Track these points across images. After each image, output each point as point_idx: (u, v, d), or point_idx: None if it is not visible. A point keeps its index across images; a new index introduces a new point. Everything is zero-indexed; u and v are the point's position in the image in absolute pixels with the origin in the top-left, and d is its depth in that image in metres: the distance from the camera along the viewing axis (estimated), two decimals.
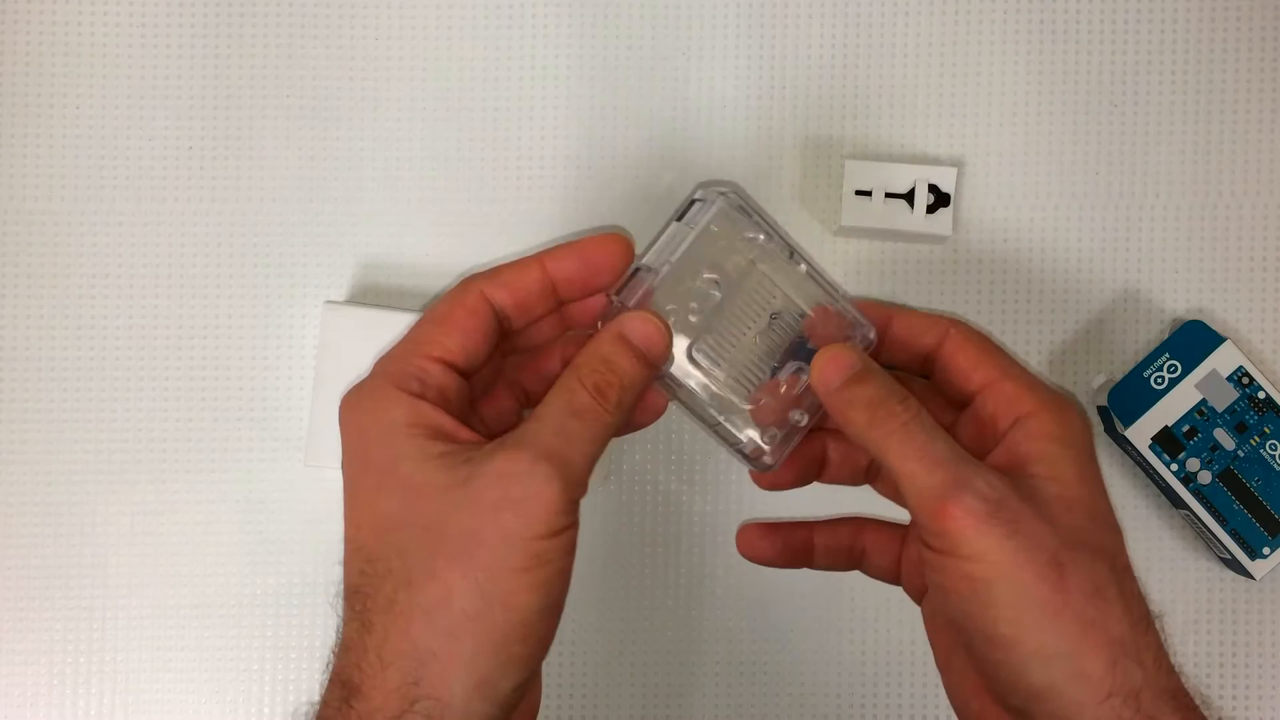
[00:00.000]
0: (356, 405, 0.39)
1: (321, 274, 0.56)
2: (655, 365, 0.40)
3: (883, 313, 0.43)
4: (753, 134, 0.56)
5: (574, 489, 0.37)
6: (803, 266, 0.42)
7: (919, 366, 0.43)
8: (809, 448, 0.45)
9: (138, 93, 0.56)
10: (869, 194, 0.54)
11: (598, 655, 0.55)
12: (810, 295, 0.42)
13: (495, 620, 0.35)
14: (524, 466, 0.36)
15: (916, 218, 0.54)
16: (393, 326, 0.52)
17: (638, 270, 0.41)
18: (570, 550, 0.37)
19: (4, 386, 0.55)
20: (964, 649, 0.40)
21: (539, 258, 0.41)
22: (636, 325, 0.39)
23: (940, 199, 0.54)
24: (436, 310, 0.40)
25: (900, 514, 0.43)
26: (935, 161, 0.56)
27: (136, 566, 0.55)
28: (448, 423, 0.38)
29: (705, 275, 0.41)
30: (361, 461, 0.38)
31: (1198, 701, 0.37)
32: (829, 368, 0.40)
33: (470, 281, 0.40)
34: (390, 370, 0.39)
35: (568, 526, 0.36)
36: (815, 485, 0.45)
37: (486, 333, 0.40)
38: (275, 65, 0.56)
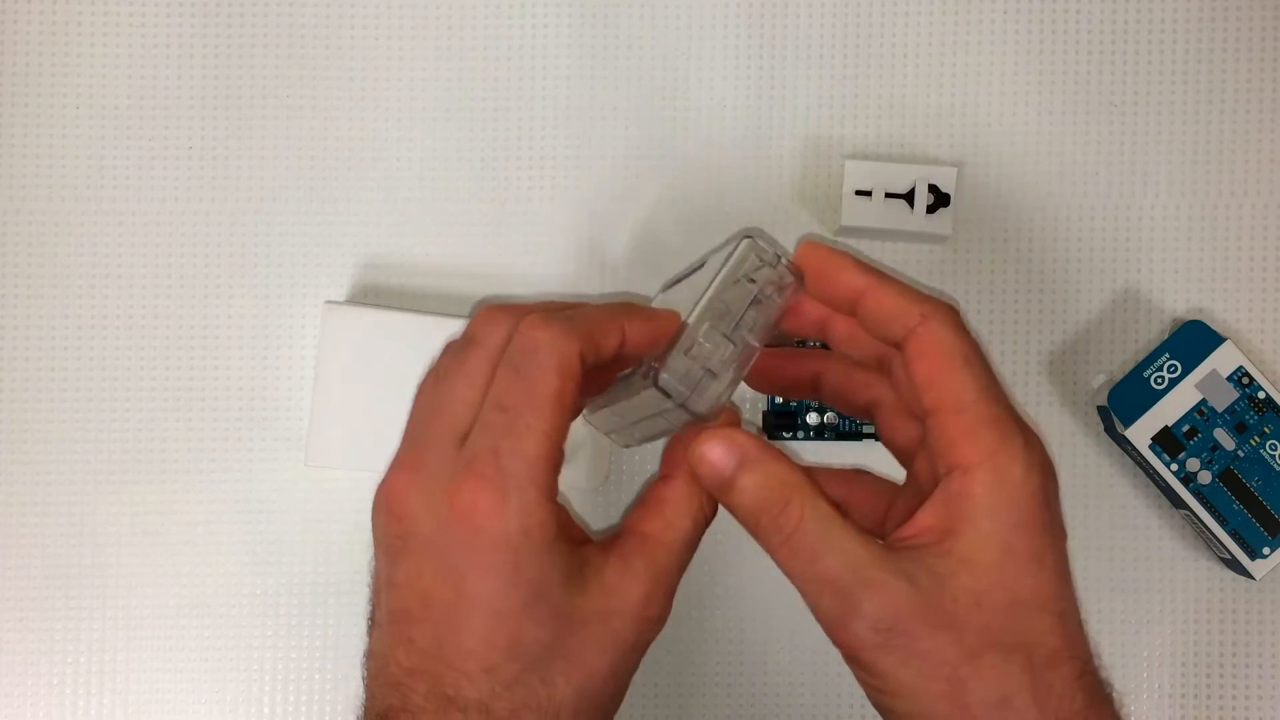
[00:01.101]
0: (502, 514, 0.36)
1: (321, 274, 0.56)
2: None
3: (860, 279, 0.39)
4: (753, 134, 0.56)
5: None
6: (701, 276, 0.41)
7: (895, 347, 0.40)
8: (796, 368, 0.43)
9: (137, 93, 0.56)
10: (869, 194, 0.54)
11: None
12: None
13: None
14: (657, 604, 0.39)
15: (916, 218, 0.54)
16: (393, 326, 0.52)
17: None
18: None
19: (4, 386, 0.55)
20: None
21: (618, 320, 0.39)
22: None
23: (940, 199, 0.54)
24: (548, 382, 0.37)
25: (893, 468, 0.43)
26: (935, 161, 0.56)
27: (136, 566, 0.55)
28: (568, 521, 0.38)
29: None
30: (508, 580, 0.36)
31: None
32: (701, 469, 0.38)
33: (568, 347, 0.37)
34: (537, 477, 0.36)
35: None
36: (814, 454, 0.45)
37: None
38: (275, 65, 0.56)
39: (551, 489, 0.37)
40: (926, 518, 0.37)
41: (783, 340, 0.42)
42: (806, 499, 0.37)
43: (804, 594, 0.37)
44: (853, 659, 0.37)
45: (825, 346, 0.42)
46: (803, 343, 0.50)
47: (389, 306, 0.54)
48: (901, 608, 0.35)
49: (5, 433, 0.55)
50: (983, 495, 0.36)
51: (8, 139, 0.56)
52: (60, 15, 0.56)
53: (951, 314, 0.38)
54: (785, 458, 0.38)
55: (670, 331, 0.39)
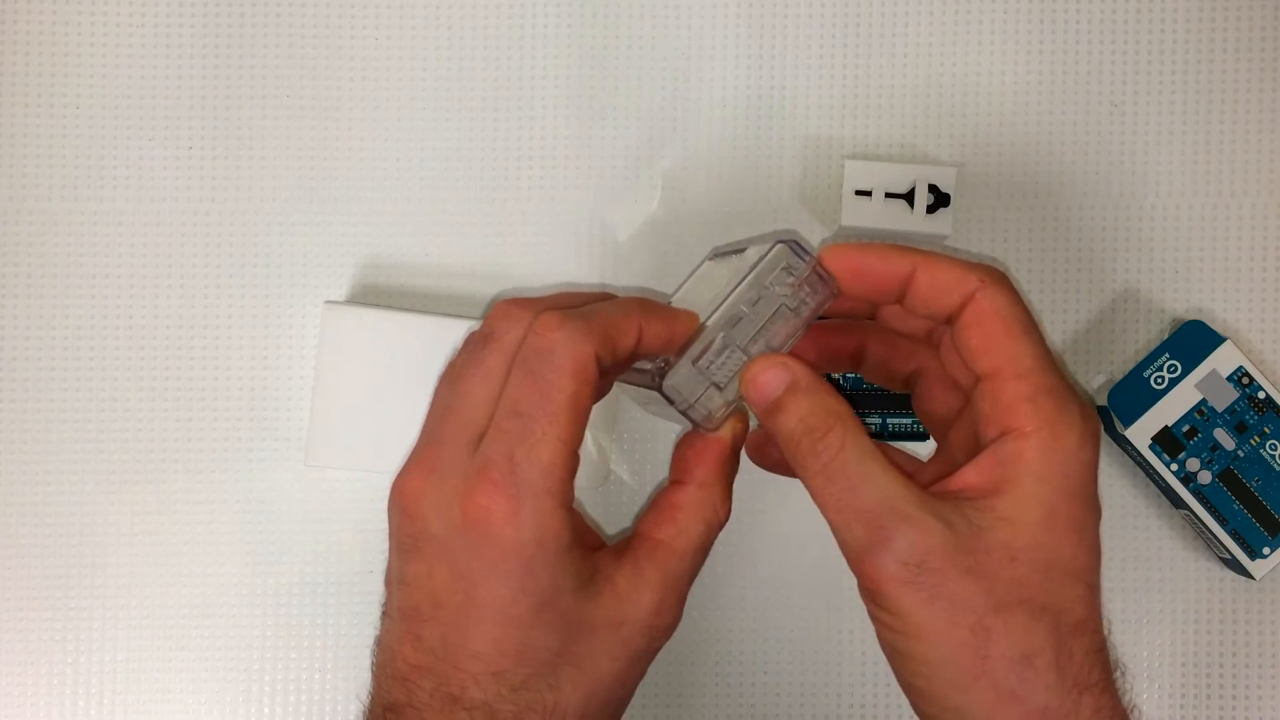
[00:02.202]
0: (516, 522, 0.36)
1: (321, 274, 0.56)
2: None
3: (905, 260, 0.38)
4: (753, 134, 0.56)
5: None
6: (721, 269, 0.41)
7: (946, 321, 0.39)
8: (840, 341, 0.43)
9: (138, 93, 0.56)
10: (869, 194, 0.54)
11: None
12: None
13: None
14: (667, 612, 0.39)
15: (916, 218, 0.54)
16: (393, 326, 0.52)
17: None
18: None
19: (4, 386, 0.55)
20: None
21: (635, 319, 0.38)
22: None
23: (940, 199, 0.54)
24: (563, 386, 0.36)
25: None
26: (935, 161, 0.56)
27: (136, 566, 0.55)
28: (582, 527, 0.38)
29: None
30: (520, 587, 0.36)
31: None
32: (750, 391, 0.38)
33: (584, 347, 0.37)
34: (552, 485, 0.36)
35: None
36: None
37: None
38: (275, 65, 0.56)
39: (566, 496, 0.37)
40: (971, 475, 0.36)
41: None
42: (849, 430, 0.36)
43: (834, 525, 0.36)
44: (874, 594, 0.36)
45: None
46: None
47: (389, 306, 0.54)
48: (934, 546, 0.35)
49: (5, 433, 0.55)
50: (1036, 459, 0.36)
51: (8, 139, 0.56)
52: (60, 15, 0.56)
53: (1006, 280, 0.38)
54: (835, 391, 0.38)
55: (686, 334, 0.38)
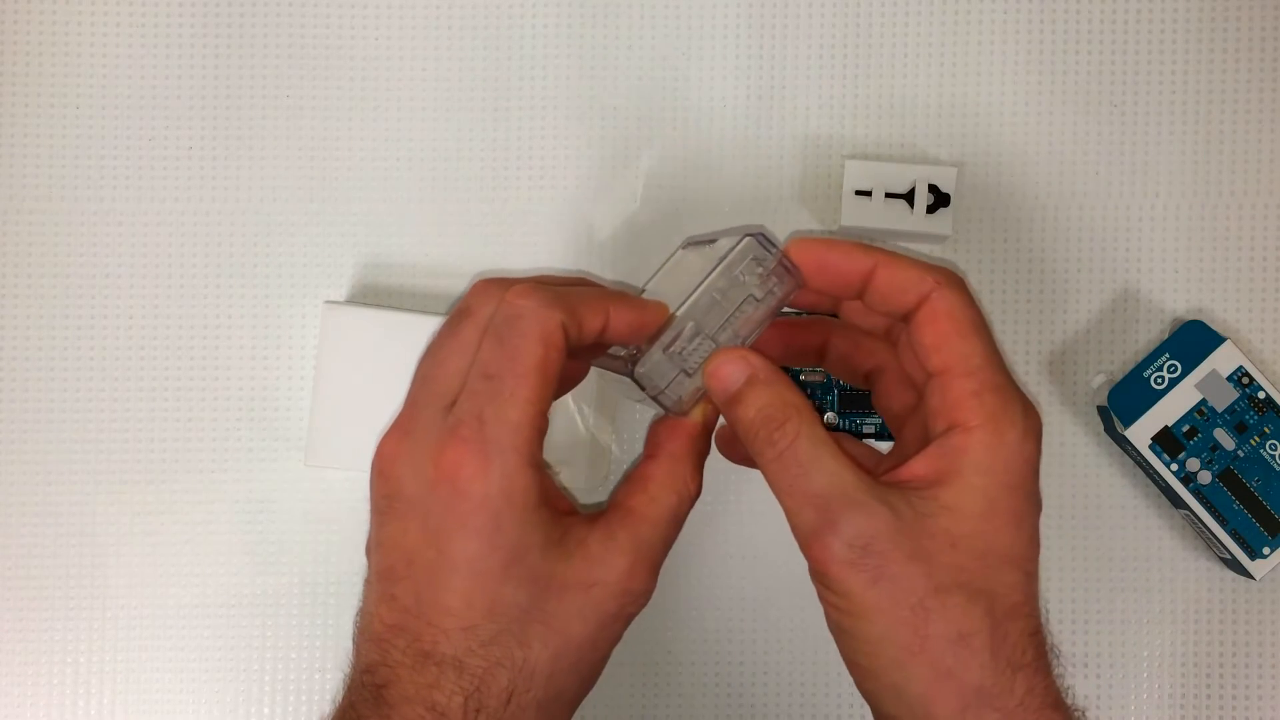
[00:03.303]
0: (485, 477, 0.37)
1: (321, 274, 0.56)
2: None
3: (867, 258, 0.40)
4: (753, 134, 0.56)
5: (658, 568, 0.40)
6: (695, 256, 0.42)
7: (902, 320, 0.41)
8: (805, 337, 0.45)
9: (138, 93, 0.56)
10: (869, 194, 0.54)
11: None
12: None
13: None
14: (640, 577, 0.40)
15: (916, 218, 0.54)
16: (393, 326, 0.52)
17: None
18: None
19: (4, 386, 0.55)
20: None
21: (604, 303, 0.40)
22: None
23: (940, 199, 0.54)
24: (531, 350, 0.38)
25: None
26: (935, 161, 0.56)
27: (136, 566, 0.55)
28: (553, 490, 0.39)
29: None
30: (489, 542, 0.37)
31: None
32: (712, 383, 0.40)
33: (551, 316, 0.38)
34: (520, 441, 0.37)
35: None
36: None
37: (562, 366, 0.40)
38: (275, 65, 0.56)
39: (534, 455, 0.38)
40: (918, 467, 0.38)
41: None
42: (805, 421, 0.38)
43: (787, 509, 0.38)
44: (822, 575, 0.38)
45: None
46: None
47: (389, 306, 0.54)
48: (879, 530, 0.36)
49: (5, 433, 0.55)
50: (979, 453, 0.37)
51: (8, 139, 0.56)
52: (60, 15, 0.56)
53: (961, 283, 0.40)
54: (792, 384, 0.39)
55: (655, 324, 0.40)
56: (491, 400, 0.38)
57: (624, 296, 0.41)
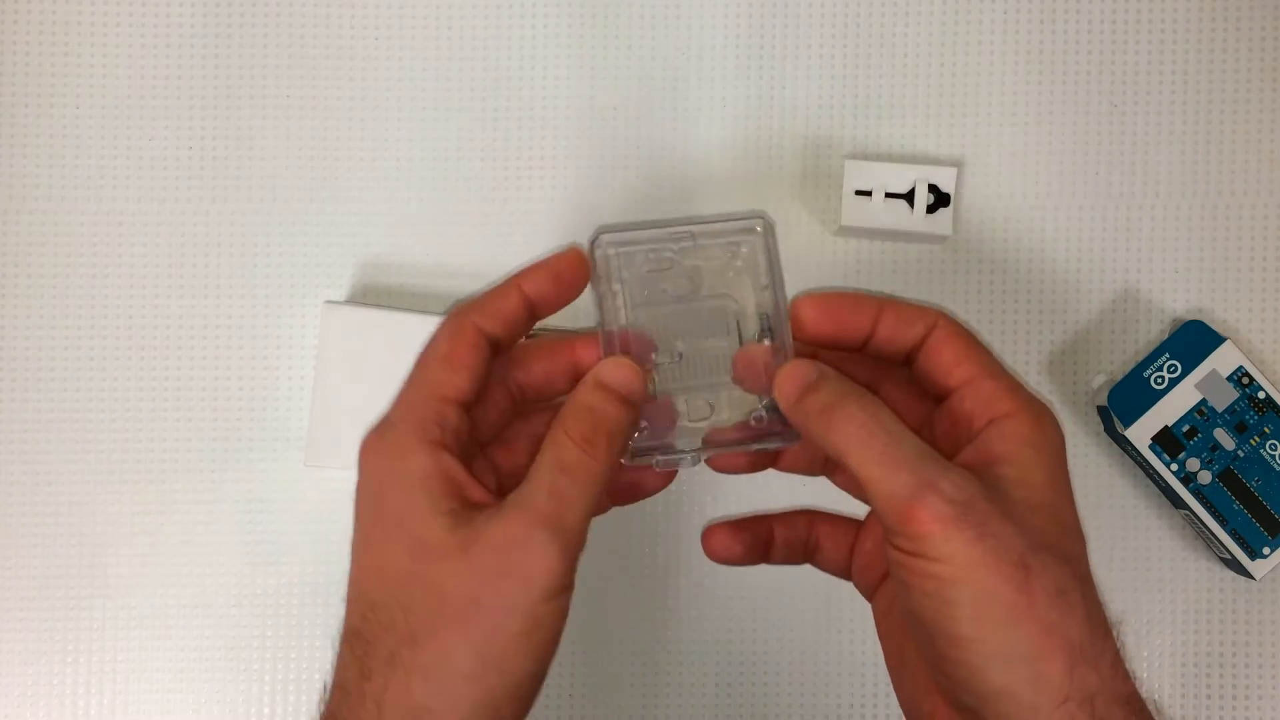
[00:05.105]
0: (378, 450, 0.40)
1: (321, 274, 0.56)
2: (635, 405, 0.41)
3: (872, 305, 0.42)
4: (753, 134, 0.56)
5: (572, 550, 0.38)
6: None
7: (903, 358, 0.43)
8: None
9: (138, 93, 0.56)
10: (869, 194, 0.54)
11: (598, 655, 0.55)
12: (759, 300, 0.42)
13: (491, 683, 0.37)
14: (523, 532, 0.37)
15: (916, 218, 0.54)
16: (393, 326, 0.52)
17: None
18: (565, 613, 0.38)
19: (4, 386, 0.55)
20: (919, 646, 0.40)
21: (515, 282, 0.41)
22: (611, 370, 0.41)
23: (940, 199, 0.54)
24: (438, 348, 0.40)
25: (855, 507, 0.43)
26: (935, 161, 0.56)
27: (136, 566, 0.55)
28: (461, 474, 0.39)
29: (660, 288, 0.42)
30: (376, 510, 0.39)
31: (1151, 709, 0.38)
32: (784, 384, 0.41)
33: (462, 316, 0.41)
34: (412, 417, 0.39)
35: (565, 589, 0.38)
36: (777, 483, 0.45)
37: (486, 365, 0.41)
38: (275, 65, 0.56)
39: (426, 430, 0.39)
40: (970, 456, 0.39)
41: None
42: (878, 399, 0.40)
43: (874, 479, 0.38)
44: (922, 538, 0.37)
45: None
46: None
47: (389, 306, 0.54)
48: (975, 491, 0.37)
49: (5, 433, 0.55)
50: (1030, 433, 0.39)
51: (8, 139, 0.56)
52: (60, 15, 0.56)
53: (954, 318, 0.42)
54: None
55: (562, 269, 0.41)
56: (406, 386, 0.40)
57: (529, 266, 0.42)
